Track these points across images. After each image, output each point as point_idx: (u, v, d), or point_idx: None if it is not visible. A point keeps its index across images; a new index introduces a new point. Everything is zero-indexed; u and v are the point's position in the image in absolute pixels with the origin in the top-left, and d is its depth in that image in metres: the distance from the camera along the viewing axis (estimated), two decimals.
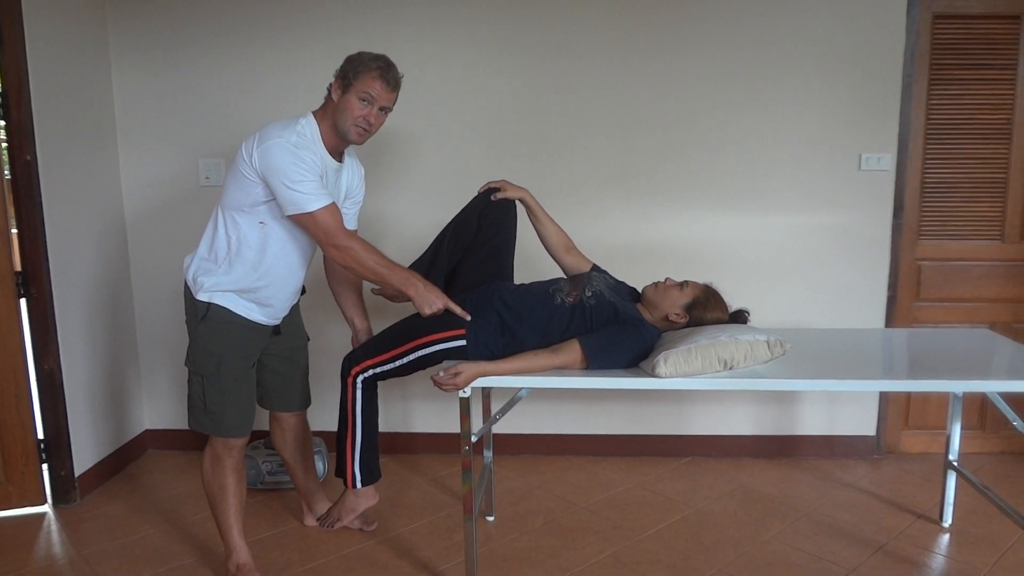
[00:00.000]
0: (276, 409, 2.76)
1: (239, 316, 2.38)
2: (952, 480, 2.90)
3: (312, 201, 2.22)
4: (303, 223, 2.27)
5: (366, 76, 2.29)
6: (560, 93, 3.40)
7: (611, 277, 2.67)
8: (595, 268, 2.71)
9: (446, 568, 2.63)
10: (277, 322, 2.54)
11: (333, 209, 2.27)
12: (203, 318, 2.36)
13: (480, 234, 2.61)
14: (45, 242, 2.96)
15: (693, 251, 3.48)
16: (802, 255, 3.47)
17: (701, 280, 2.61)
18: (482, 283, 2.57)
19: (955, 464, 2.87)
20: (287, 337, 2.64)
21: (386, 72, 2.32)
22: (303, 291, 2.67)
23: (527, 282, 2.61)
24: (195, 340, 2.40)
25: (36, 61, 2.91)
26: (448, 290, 2.65)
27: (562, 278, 2.63)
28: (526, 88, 3.40)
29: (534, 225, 2.70)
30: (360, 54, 2.34)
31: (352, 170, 2.56)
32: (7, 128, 2.87)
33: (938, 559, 2.68)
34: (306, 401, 2.81)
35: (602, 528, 2.92)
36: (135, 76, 3.46)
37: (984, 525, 2.93)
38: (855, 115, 3.36)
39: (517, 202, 2.65)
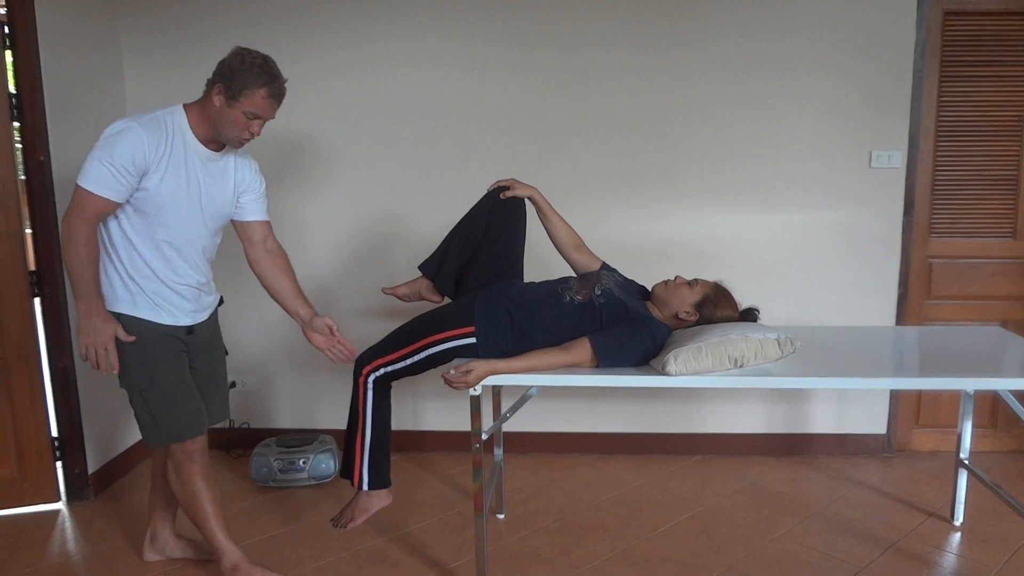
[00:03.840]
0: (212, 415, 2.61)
1: (147, 321, 2.32)
2: (963, 478, 2.89)
3: (88, 178, 2.17)
4: (76, 191, 2.19)
5: (254, 94, 2.20)
6: (568, 90, 3.40)
7: (620, 275, 2.67)
8: (605, 266, 2.72)
9: (457, 565, 2.64)
10: (190, 321, 2.43)
11: (106, 203, 2.18)
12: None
13: (489, 233, 2.61)
14: (59, 241, 2.98)
15: (703, 249, 3.48)
16: (812, 253, 3.46)
17: (711, 278, 2.61)
18: (492, 282, 2.57)
19: (966, 462, 2.86)
20: (211, 346, 2.56)
21: (274, 89, 2.24)
22: (220, 301, 2.61)
23: (537, 280, 2.62)
24: (121, 359, 2.33)
25: (49, 62, 2.94)
26: (458, 289, 2.67)
27: (572, 276, 2.63)
28: (534, 85, 3.41)
29: (543, 223, 2.71)
30: (243, 59, 2.20)
31: (240, 165, 2.45)
32: (21, 129, 2.90)
33: (949, 557, 2.68)
34: (221, 414, 2.65)
35: (612, 526, 2.93)
36: (146, 76, 3.49)
37: (995, 523, 2.92)
38: (865, 112, 3.35)
39: (526, 200, 2.66)
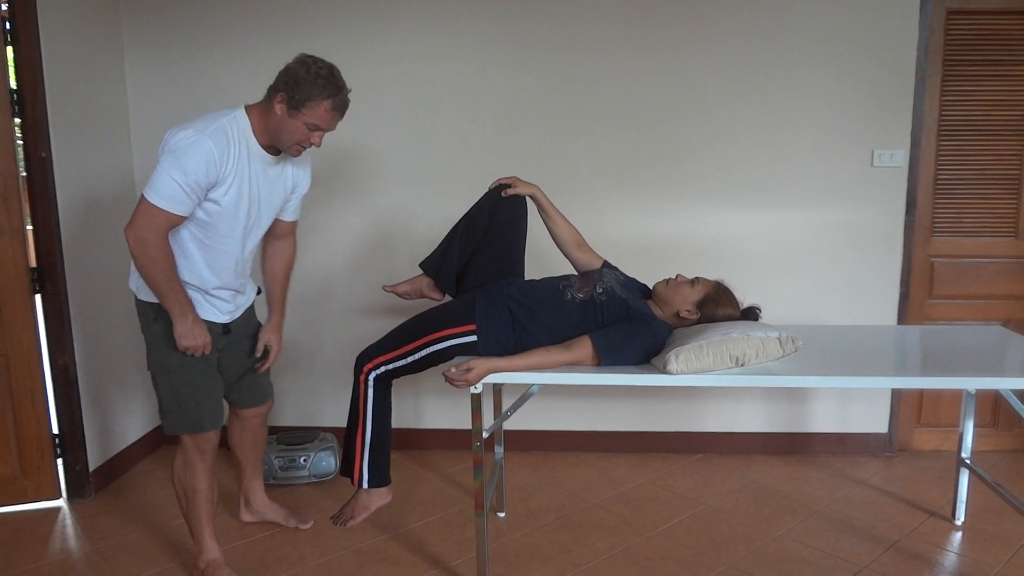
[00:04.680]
0: (241, 406, 2.72)
1: None
2: (964, 477, 2.88)
3: (159, 195, 2.13)
4: (142, 203, 2.16)
5: (318, 106, 2.18)
6: (570, 88, 3.40)
7: (622, 273, 2.67)
8: (606, 264, 2.71)
9: (457, 563, 2.64)
10: (227, 319, 2.47)
11: (172, 217, 2.17)
12: (155, 319, 2.33)
13: (491, 231, 2.61)
14: (60, 239, 2.99)
15: (704, 247, 3.47)
16: (814, 251, 3.46)
17: (712, 276, 2.61)
18: (493, 280, 2.57)
19: (967, 461, 2.86)
20: (245, 337, 2.61)
21: (339, 101, 2.21)
22: (258, 291, 2.66)
23: (538, 278, 2.61)
24: (151, 342, 2.35)
25: (51, 59, 2.93)
26: (459, 287, 2.66)
27: (573, 274, 2.63)
28: (536, 83, 3.40)
29: (545, 221, 2.70)
30: (309, 69, 2.16)
31: (298, 164, 2.47)
32: (22, 125, 2.90)
33: (950, 557, 2.68)
34: (268, 394, 2.76)
35: (613, 524, 2.93)
36: (148, 73, 3.48)
37: (996, 523, 2.92)
38: (868, 111, 3.35)
39: (527, 198, 2.66)
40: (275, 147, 2.31)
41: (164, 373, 2.37)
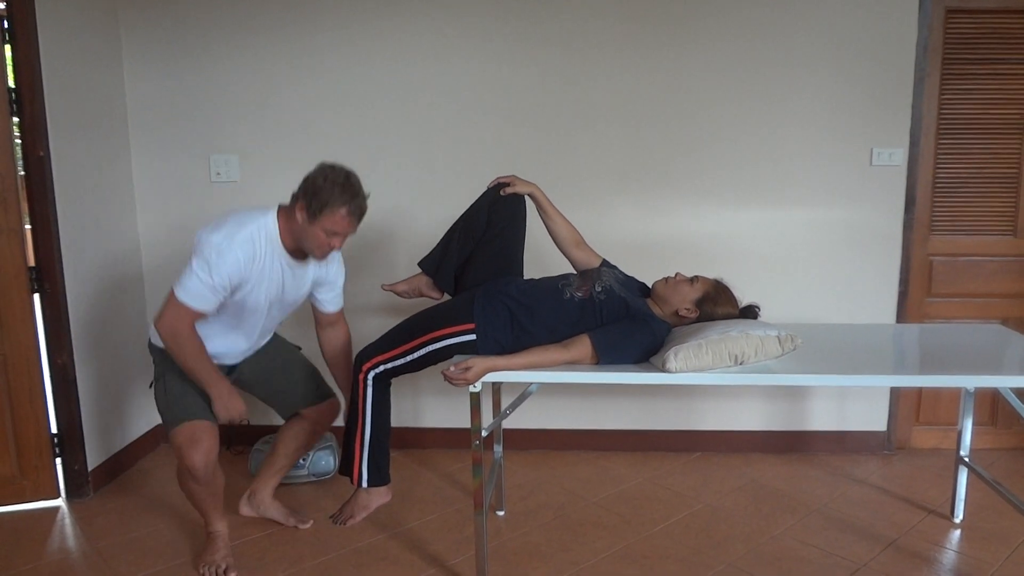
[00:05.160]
0: (293, 411, 2.83)
1: None
2: (963, 476, 2.89)
3: (188, 294, 2.28)
4: (170, 297, 2.32)
5: (335, 213, 2.28)
6: (569, 86, 3.40)
7: (621, 272, 2.67)
8: (605, 263, 2.71)
9: (456, 562, 2.64)
10: (230, 363, 2.64)
11: (197, 313, 2.31)
12: (163, 378, 2.51)
13: (490, 229, 2.61)
14: (58, 238, 2.98)
15: (703, 246, 3.47)
16: (813, 250, 3.46)
17: (711, 275, 2.61)
18: (492, 278, 2.57)
19: (966, 460, 2.86)
20: (268, 357, 2.74)
21: (354, 208, 2.32)
22: (298, 349, 2.91)
23: (537, 277, 2.61)
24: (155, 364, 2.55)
25: (49, 57, 2.93)
26: (458, 286, 2.66)
27: (572, 273, 2.63)
28: (535, 81, 3.40)
29: (543, 220, 2.70)
30: (326, 177, 2.29)
31: (324, 263, 2.59)
32: (20, 124, 2.89)
33: (949, 555, 2.68)
34: (318, 395, 2.82)
35: (612, 523, 2.93)
36: (147, 71, 3.48)
37: (995, 521, 2.92)
38: (867, 110, 3.35)
39: (526, 197, 2.65)
40: (302, 251, 2.44)
41: (160, 378, 2.50)
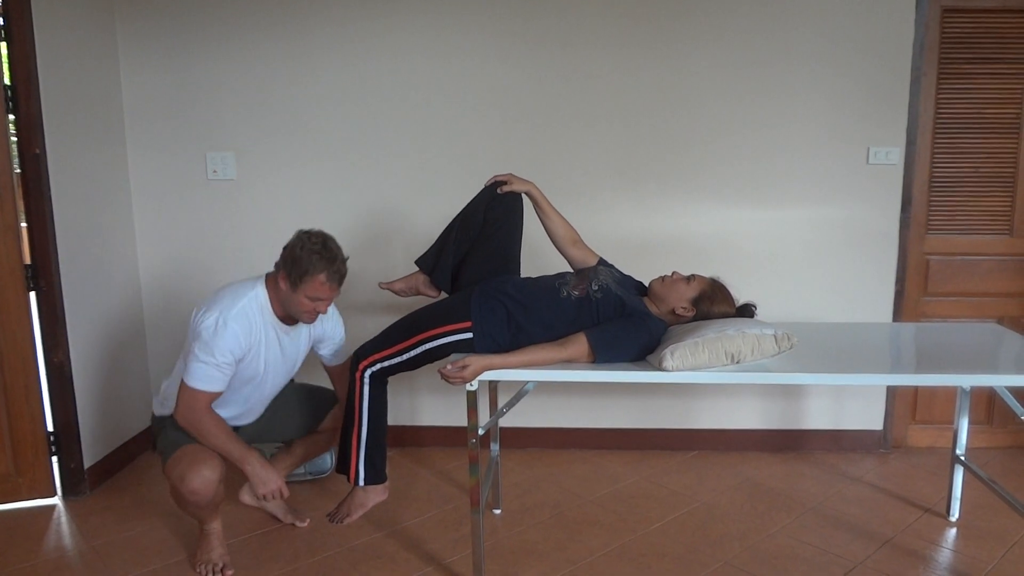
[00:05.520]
0: (300, 435, 2.89)
1: None
2: (959, 474, 2.89)
3: (198, 380, 2.35)
4: (182, 387, 2.39)
5: (314, 280, 2.35)
6: (567, 85, 3.39)
7: (617, 271, 2.67)
8: (601, 262, 2.71)
9: (453, 560, 2.65)
10: (242, 423, 2.71)
11: (212, 395, 2.39)
12: (163, 427, 2.55)
13: (486, 227, 2.61)
14: (54, 235, 2.98)
15: (700, 244, 3.47)
16: (810, 249, 3.46)
17: (708, 274, 2.61)
18: (489, 277, 2.57)
19: (962, 458, 2.86)
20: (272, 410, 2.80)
21: (332, 274, 2.38)
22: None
23: (534, 276, 2.61)
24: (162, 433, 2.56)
25: (45, 55, 2.92)
26: (455, 284, 2.66)
27: (569, 272, 2.62)
28: (532, 79, 3.40)
29: (540, 218, 2.70)
30: (304, 246, 2.36)
31: (320, 320, 2.64)
32: (16, 122, 2.89)
33: (944, 553, 2.68)
34: (319, 415, 2.87)
35: (608, 521, 2.93)
36: (143, 69, 3.47)
37: (991, 519, 2.93)
38: (864, 109, 3.35)
39: (523, 195, 2.65)
40: (292, 317, 2.52)
41: (161, 431, 2.56)
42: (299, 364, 2.69)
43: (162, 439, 2.52)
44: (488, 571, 2.57)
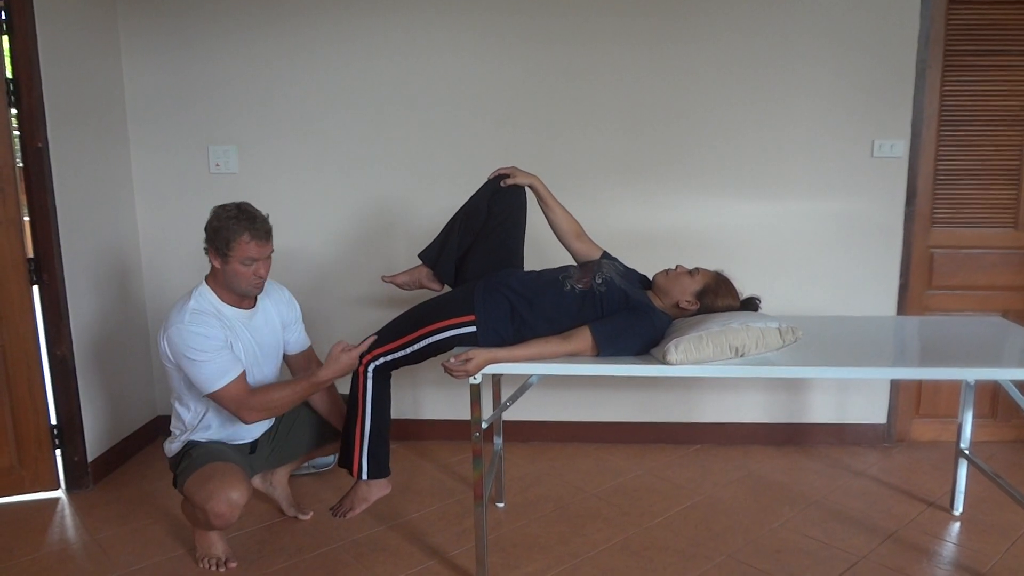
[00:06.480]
0: (320, 445, 2.88)
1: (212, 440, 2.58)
2: (963, 468, 2.89)
3: (216, 380, 2.34)
4: (214, 398, 2.38)
5: (238, 243, 2.34)
6: (570, 80, 3.38)
7: (621, 264, 2.66)
8: (605, 255, 2.70)
9: (456, 554, 2.65)
10: (250, 439, 2.69)
11: (239, 380, 2.38)
12: (185, 453, 2.52)
13: (490, 221, 2.60)
14: (57, 229, 2.98)
15: (704, 238, 3.47)
16: (814, 242, 3.45)
17: (712, 267, 2.60)
18: (492, 270, 2.56)
19: (966, 452, 2.86)
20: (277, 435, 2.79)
21: (255, 231, 2.37)
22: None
23: (537, 269, 2.60)
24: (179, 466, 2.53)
25: (47, 48, 2.92)
26: (458, 277, 2.66)
27: (572, 265, 2.62)
28: (536, 75, 3.39)
29: (544, 212, 2.69)
30: (220, 217, 2.36)
31: (276, 302, 2.64)
32: (19, 115, 2.88)
33: (948, 547, 2.68)
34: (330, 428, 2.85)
35: (611, 515, 2.93)
36: (145, 62, 3.47)
37: (995, 513, 2.93)
38: (868, 101, 3.34)
39: (527, 188, 2.64)
40: (244, 299, 2.50)
41: (180, 460, 2.52)
42: (280, 352, 2.67)
43: (184, 464, 2.49)
44: (491, 564, 2.57)
